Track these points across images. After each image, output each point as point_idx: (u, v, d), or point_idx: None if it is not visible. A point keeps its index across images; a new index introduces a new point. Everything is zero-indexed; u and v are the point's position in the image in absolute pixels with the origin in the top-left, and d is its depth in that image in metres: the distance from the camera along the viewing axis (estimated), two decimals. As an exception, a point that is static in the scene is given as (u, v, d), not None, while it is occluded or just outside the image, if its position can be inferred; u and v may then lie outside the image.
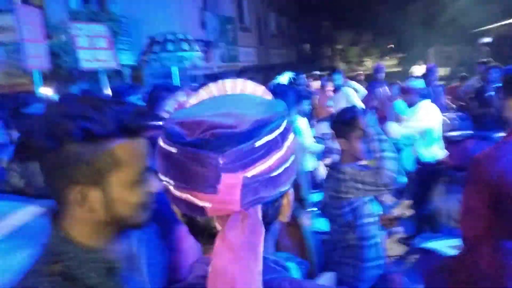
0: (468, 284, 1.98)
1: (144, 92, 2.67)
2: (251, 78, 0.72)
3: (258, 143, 0.54)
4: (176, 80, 5.33)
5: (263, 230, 0.55)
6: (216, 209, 0.55)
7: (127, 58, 8.38)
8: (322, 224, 2.87)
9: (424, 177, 3.75)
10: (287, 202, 0.63)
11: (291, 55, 21.08)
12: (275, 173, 0.56)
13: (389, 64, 24.58)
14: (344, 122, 1.93)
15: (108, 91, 4.37)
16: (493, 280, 1.85)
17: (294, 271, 1.24)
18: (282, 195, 0.60)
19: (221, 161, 0.52)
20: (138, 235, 0.88)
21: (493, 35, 11.36)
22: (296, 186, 2.48)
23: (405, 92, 3.98)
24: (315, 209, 3.05)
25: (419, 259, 2.55)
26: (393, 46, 31.40)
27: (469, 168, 1.88)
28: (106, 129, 0.70)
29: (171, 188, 0.57)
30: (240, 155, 0.53)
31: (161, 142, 0.58)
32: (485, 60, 7.47)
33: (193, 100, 0.66)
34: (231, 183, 0.53)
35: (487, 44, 9.73)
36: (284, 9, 20.12)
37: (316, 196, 3.20)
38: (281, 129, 0.57)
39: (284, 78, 2.86)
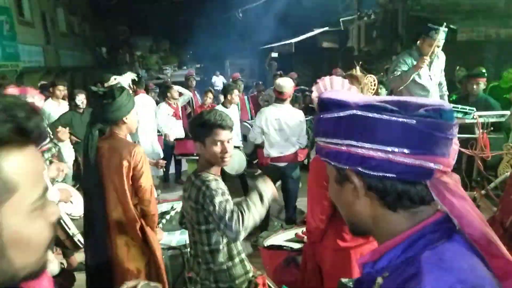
0: (314, 273, 2.15)
1: None
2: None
3: None
4: None
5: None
6: (442, 171, 0.65)
7: None
8: (176, 238, 2.64)
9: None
10: None
11: (87, 58, 19.14)
12: None
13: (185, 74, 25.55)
14: (200, 125, 1.75)
15: None
16: (334, 268, 2.06)
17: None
18: None
19: (453, 130, 0.65)
20: None
21: (278, 51, 13.47)
22: (140, 198, 2.17)
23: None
24: (164, 222, 2.77)
25: (264, 257, 2.60)
26: (190, 56, 32.94)
27: (312, 165, 2.03)
28: (4, 129, 0.51)
29: (399, 157, 0.63)
30: (454, 125, 0.65)
31: (383, 116, 0.64)
32: (277, 72, 8.76)
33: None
34: (454, 148, 0.66)
35: (274, 58, 11.43)
36: (75, 7, 18.10)
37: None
38: None
39: (125, 79, 2.43)
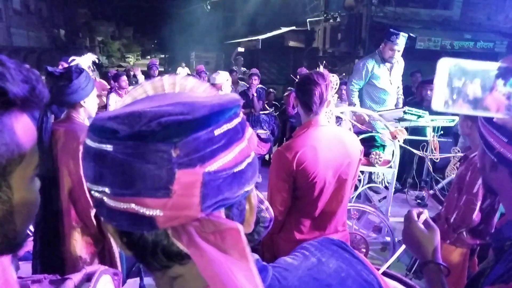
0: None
1: None
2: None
3: (217, 131, 0.45)
4: None
5: (241, 229, 0.45)
6: (169, 218, 0.43)
7: None
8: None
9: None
10: (251, 207, 0.53)
11: (42, 39, 18.10)
12: (239, 168, 0.47)
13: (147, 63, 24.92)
14: None
15: None
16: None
17: (109, 284, 1.07)
18: (245, 197, 0.51)
19: (174, 154, 0.42)
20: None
21: (244, 46, 13.47)
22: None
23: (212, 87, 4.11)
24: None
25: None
26: (155, 45, 32.12)
27: (273, 158, 2.06)
28: (21, 91, 0.50)
29: (105, 198, 0.45)
30: (198, 146, 0.43)
31: (88, 141, 0.46)
32: (242, 68, 8.78)
33: (125, 100, 0.52)
34: (188, 182, 0.43)
35: (241, 53, 11.44)
36: (31, -16, 17.04)
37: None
38: (239, 118, 0.49)
39: (85, 60, 2.31)
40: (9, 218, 0.53)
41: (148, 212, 0.43)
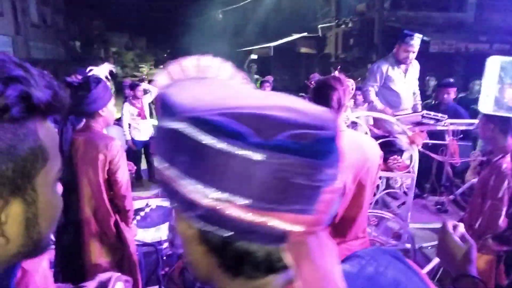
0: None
1: None
2: None
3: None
4: None
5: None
6: (304, 233, 0.42)
7: None
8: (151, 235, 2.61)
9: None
10: None
11: (59, 51, 18.54)
12: None
13: (165, 72, 25.13)
14: None
15: None
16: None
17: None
18: None
19: (327, 172, 0.41)
20: None
21: (256, 53, 13.55)
22: (116, 193, 2.11)
23: None
24: (139, 218, 2.73)
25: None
26: (167, 55, 32.54)
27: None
28: (44, 96, 0.50)
29: (235, 209, 0.40)
30: (335, 162, 0.43)
31: (215, 142, 0.40)
32: (255, 76, 8.82)
33: (165, 79, 0.51)
34: (330, 199, 0.43)
35: (254, 60, 11.51)
36: (48, -2, 17.52)
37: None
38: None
39: (102, 70, 2.34)
40: (35, 221, 0.54)
41: (288, 227, 0.41)
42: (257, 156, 0.39)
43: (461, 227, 1.04)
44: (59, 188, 0.61)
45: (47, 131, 0.54)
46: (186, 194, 0.42)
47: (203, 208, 0.41)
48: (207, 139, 0.40)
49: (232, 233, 0.42)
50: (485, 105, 0.52)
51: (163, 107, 0.46)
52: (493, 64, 0.52)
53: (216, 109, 0.42)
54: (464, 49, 9.71)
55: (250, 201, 0.40)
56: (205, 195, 0.41)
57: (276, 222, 0.41)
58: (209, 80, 0.52)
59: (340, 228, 2.01)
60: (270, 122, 0.41)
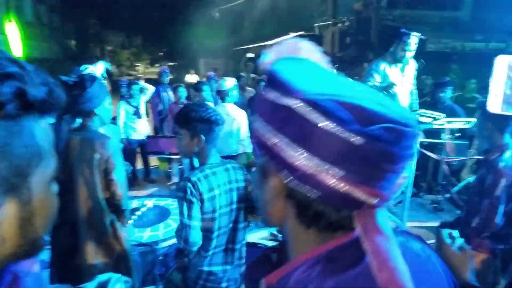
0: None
1: None
2: None
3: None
4: None
5: None
6: (375, 205, 0.53)
7: None
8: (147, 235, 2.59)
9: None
10: None
11: (54, 50, 18.41)
12: None
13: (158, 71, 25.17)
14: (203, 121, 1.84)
15: None
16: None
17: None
18: None
19: (406, 163, 0.52)
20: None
21: (254, 52, 13.52)
22: (112, 193, 2.10)
23: (219, 93, 4.12)
24: (135, 217, 2.71)
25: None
26: (164, 53, 32.41)
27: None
28: (40, 93, 0.50)
29: (330, 178, 0.51)
30: (413, 156, 0.53)
31: (325, 123, 0.50)
32: (251, 75, 8.75)
33: (270, 56, 0.63)
34: (401, 183, 0.54)
35: (251, 59, 11.44)
36: (43, -4, 17.38)
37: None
38: None
39: (98, 68, 2.33)
40: (30, 221, 0.53)
41: (366, 198, 0.51)
42: (357, 140, 0.49)
43: (459, 240, 1.06)
44: (55, 187, 0.60)
45: (42, 129, 0.53)
46: (288, 158, 0.52)
47: (303, 171, 0.52)
48: (319, 120, 0.50)
49: (320, 194, 0.52)
50: (494, 105, 0.51)
51: (274, 82, 0.56)
52: (501, 63, 0.51)
53: (326, 95, 0.51)
54: (460, 48, 9.75)
55: (344, 173, 0.50)
56: (308, 162, 0.51)
57: (358, 193, 0.51)
58: (307, 62, 0.62)
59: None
60: (366, 113, 0.50)
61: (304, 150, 0.51)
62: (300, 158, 0.51)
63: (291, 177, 0.53)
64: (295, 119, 0.51)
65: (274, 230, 2.68)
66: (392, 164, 0.51)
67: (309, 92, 0.52)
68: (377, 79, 4.25)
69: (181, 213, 1.80)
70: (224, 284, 1.94)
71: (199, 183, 1.79)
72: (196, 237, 1.80)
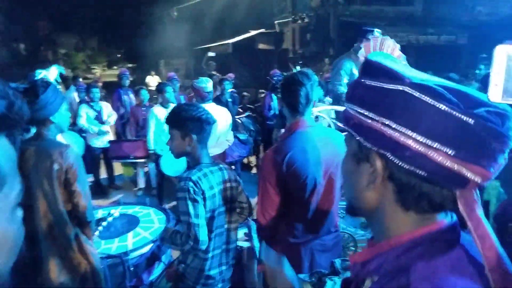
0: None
1: None
2: None
3: None
4: None
5: None
6: (478, 184, 0.55)
7: None
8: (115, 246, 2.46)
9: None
10: None
11: (2, 54, 17.32)
12: None
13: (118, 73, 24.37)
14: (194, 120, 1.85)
15: None
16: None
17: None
18: None
19: (509, 143, 0.54)
20: None
21: (214, 51, 13.38)
22: (75, 204, 1.97)
23: (195, 92, 4.01)
24: (101, 229, 2.56)
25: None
26: (121, 55, 31.39)
27: (263, 162, 1.99)
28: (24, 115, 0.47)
29: (439, 156, 0.53)
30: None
31: (438, 104, 0.53)
32: (213, 72, 8.64)
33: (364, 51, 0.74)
34: (503, 163, 0.55)
35: (212, 58, 11.32)
36: (-14, -3, 16.29)
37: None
38: None
39: (51, 73, 2.16)
40: None
41: (471, 176, 0.53)
42: (469, 120, 0.52)
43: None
44: (19, 213, 0.51)
45: (3, 149, 0.47)
46: (395, 138, 0.55)
47: (413, 151, 0.54)
48: (431, 101, 0.53)
49: (426, 174, 0.54)
50: (494, 95, 0.51)
51: (377, 71, 0.60)
52: (501, 52, 0.51)
53: (430, 81, 0.56)
54: (415, 41, 10.15)
55: (454, 152, 0.52)
56: (418, 142, 0.54)
57: (466, 171, 0.53)
58: (392, 57, 0.66)
59: (313, 224, 1.99)
60: (469, 97, 0.54)
61: (414, 131, 0.54)
62: (410, 138, 0.54)
63: (397, 158, 0.55)
64: (406, 102, 0.54)
65: (247, 230, 2.64)
66: (500, 144, 0.53)
67: (416, 78, 0.56)
68: (344, 79, 4.31)
69: (186, 213, 1.76)
70: (219, 285, 1.94)
71: (200, 181, 1.77)
72: (205, 235, 1.77)
